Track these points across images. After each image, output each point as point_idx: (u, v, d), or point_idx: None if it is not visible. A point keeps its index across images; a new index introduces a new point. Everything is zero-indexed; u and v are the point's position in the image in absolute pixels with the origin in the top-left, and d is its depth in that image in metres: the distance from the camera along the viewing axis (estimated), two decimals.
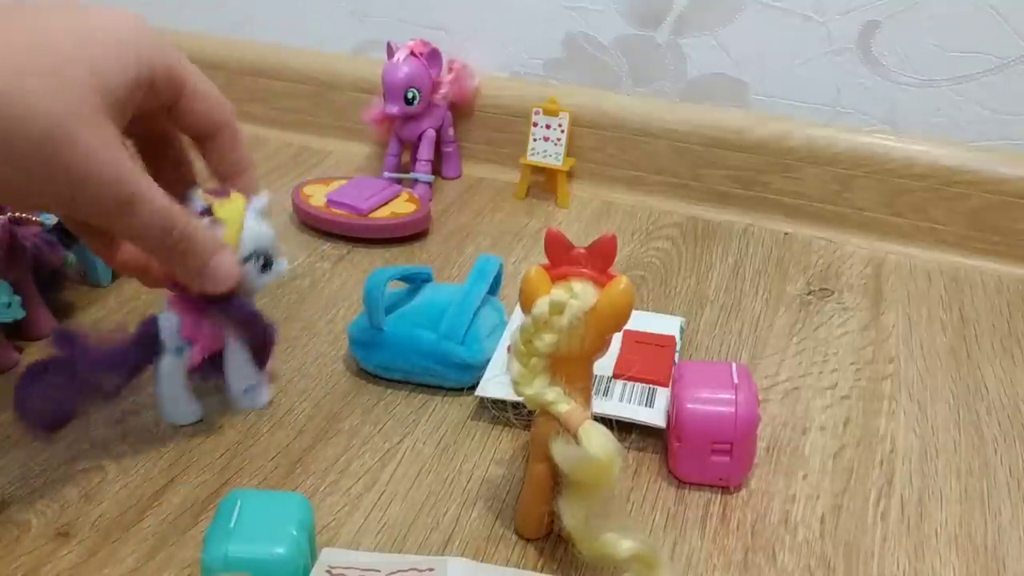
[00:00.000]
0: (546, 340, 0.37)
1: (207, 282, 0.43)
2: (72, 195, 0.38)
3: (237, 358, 0.48)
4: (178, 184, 0.45)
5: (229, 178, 0.46)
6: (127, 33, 0.39)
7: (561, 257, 0.39)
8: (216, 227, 0.44)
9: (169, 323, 0.46)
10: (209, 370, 0.48)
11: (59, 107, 0.36)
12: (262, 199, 0.46)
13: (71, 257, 0.56)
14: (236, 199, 0.45)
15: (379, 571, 0.39)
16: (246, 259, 0.45)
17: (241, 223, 0.45)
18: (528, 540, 0.42)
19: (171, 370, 0.47)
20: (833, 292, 0.62)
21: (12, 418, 0.48)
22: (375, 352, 0.51)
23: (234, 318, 0.47)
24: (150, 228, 0.40)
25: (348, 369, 0.53)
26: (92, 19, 0.39)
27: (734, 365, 0.45)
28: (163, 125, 0.44)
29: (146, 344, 0.46)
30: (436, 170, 0.75)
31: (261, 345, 0.48)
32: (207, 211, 0.44)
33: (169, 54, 0.41)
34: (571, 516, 0.38)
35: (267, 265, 0.47)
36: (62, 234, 0.56)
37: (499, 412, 0.49)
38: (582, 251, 0.39)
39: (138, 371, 0.46)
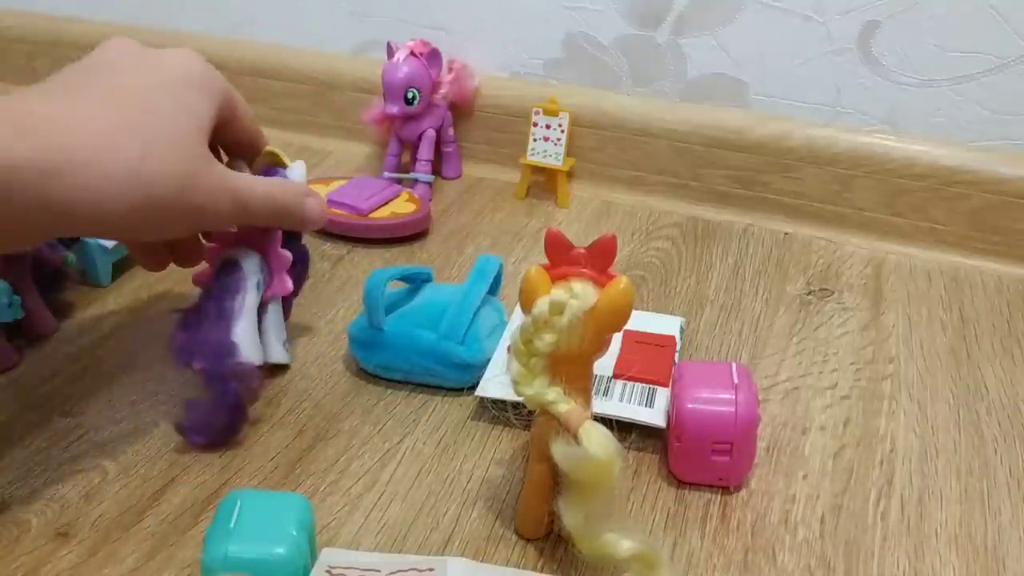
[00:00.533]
0: (546, 340, 0.37)
1: (308, 224, 0.50)
2: (199, 225, 0.46)
3: (276, 314, 0.51)
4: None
5: None
6: (199, 75, 0.45)
7: (561, 257, 0.39)
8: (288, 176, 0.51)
9: (250, 258, 0.49)
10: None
11: (183, 168, 0.42)
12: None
13: (71, 257, 0.56)
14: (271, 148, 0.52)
15: (379, 571, 0.39)
16: None
17: (291, 163, 0.52)
18: (528, 540, 0.42)
19: (255, 304, 0.49)
20: (833, 292, 0.62)
21: (11, 418, 0.48)
22: (375, 352, 0.51)
23: (296, 255, 0.51)
24: (261, 214, 0.47)
25: (348, 369, 0.53)
26: (172, 69, 0.44)
27: (734, 365, 0.45)
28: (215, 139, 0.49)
29: (229, 279, 0.48)
30: (436, 170, 0.75)
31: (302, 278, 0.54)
32: (276, 168, 0.51)
33: (225, 83, 0.47)
34: (571, 516, 0.38)
35: None
36: None
37: (499, 412, 0.49)
38: (582, 251, 0.39)
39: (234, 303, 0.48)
